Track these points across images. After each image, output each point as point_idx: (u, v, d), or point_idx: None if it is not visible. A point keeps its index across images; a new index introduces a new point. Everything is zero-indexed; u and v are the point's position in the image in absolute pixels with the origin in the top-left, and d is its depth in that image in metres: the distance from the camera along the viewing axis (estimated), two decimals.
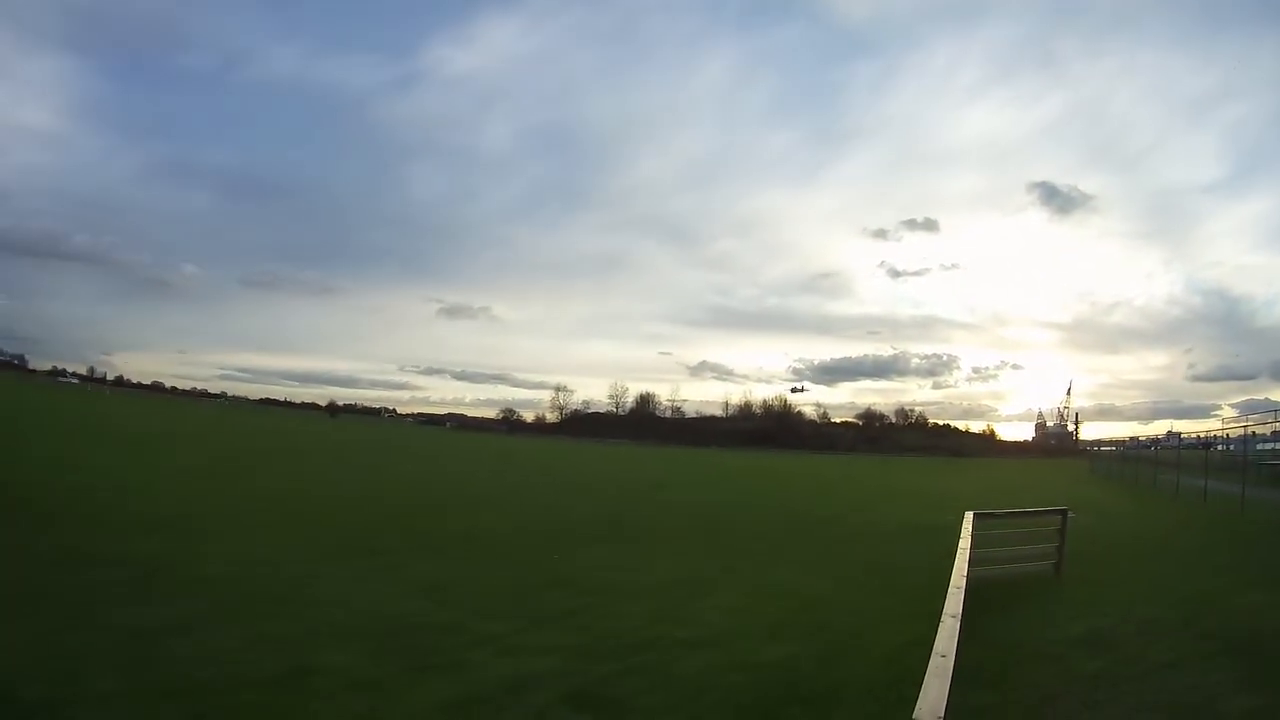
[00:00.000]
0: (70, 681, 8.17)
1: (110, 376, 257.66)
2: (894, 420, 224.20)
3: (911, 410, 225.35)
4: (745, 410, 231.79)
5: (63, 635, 9.48)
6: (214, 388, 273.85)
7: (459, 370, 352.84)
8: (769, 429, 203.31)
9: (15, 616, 10.09)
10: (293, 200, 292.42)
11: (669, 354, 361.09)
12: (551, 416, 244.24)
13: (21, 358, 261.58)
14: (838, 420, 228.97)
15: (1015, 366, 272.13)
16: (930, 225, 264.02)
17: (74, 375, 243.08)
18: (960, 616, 7.11)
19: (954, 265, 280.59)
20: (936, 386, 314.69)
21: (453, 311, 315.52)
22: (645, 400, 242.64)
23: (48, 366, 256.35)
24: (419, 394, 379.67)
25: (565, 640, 10.76)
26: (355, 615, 11.44)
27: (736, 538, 22.77)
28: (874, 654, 10.71)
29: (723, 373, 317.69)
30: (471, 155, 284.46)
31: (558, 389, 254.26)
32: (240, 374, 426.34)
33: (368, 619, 11.29)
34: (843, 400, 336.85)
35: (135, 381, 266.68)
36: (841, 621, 12.63)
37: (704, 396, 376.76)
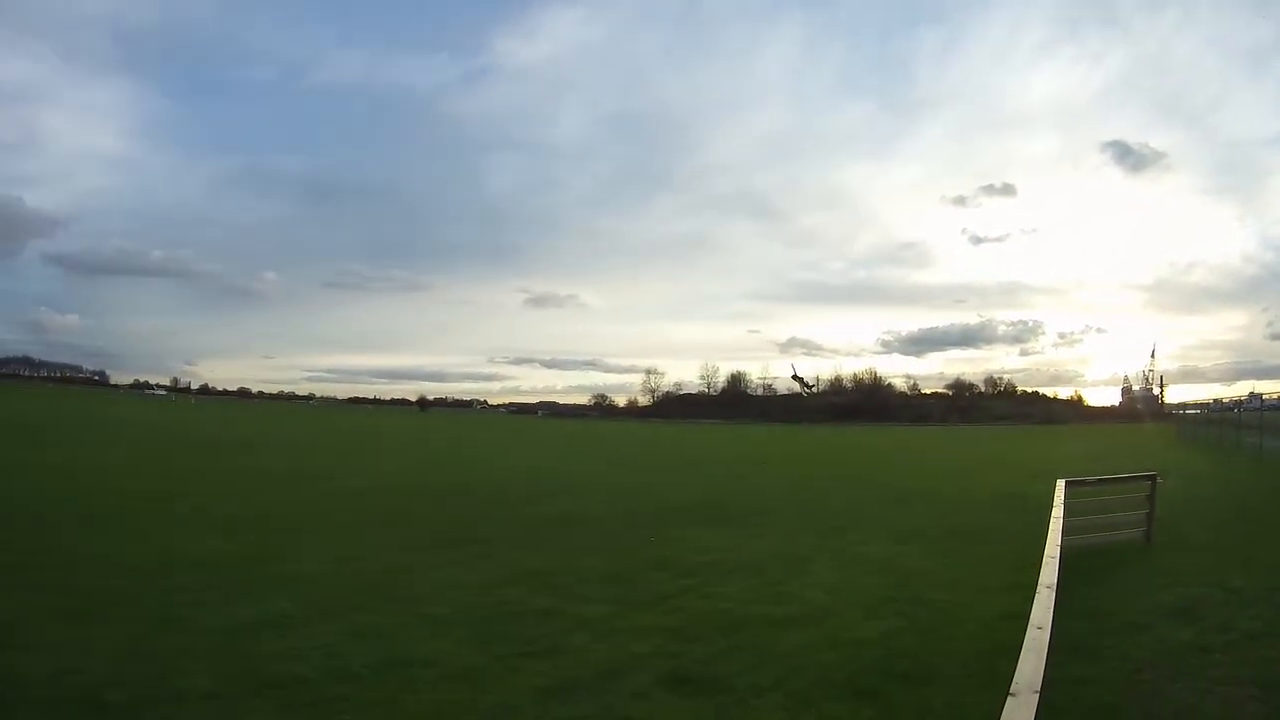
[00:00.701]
0: (159, 682, 8.19)
1: (195, 385, 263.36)
2: (983, 389, 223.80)
3: (1000, 378, 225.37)
4: (836, 385, 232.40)
5: (153, 638, 9.53)
6: (301, 390, 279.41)
7: (549, 358, 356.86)
8: (859, 402, 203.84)
9: (105, 621, 10.15)
10: (370, 201, 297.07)
11: (757, 332, 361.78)
12: (644, 400, 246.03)
13: (102, 374, 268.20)
14: (927, 391, 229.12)
15: (1099, 330, 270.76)
16: (1008, 190, 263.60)
17: (160, 387, 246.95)
18: (1055, 587, 6.91)
19: (1033, 230, 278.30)
20: (1023, 353, 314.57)
21: (540, 301, 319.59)
22: (736, 379, 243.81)
23: (129, 380, 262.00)
24: (509, 384, 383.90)
25: (663, 622, 10.73)
26: (451, 605, 11.47)
27: (831, 513, 22.65)
28: (969, 628, 10.59)
29: (812, 347, 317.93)
30: (547, 145, 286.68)
31: (648, 372, 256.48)
32: (328, 375, 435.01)
33: (464, 608, 11.33)
34: (932, 371, 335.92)
35: (221, 389, 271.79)
36: (936, 595, 12.50)
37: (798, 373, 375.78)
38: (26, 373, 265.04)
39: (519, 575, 13.62)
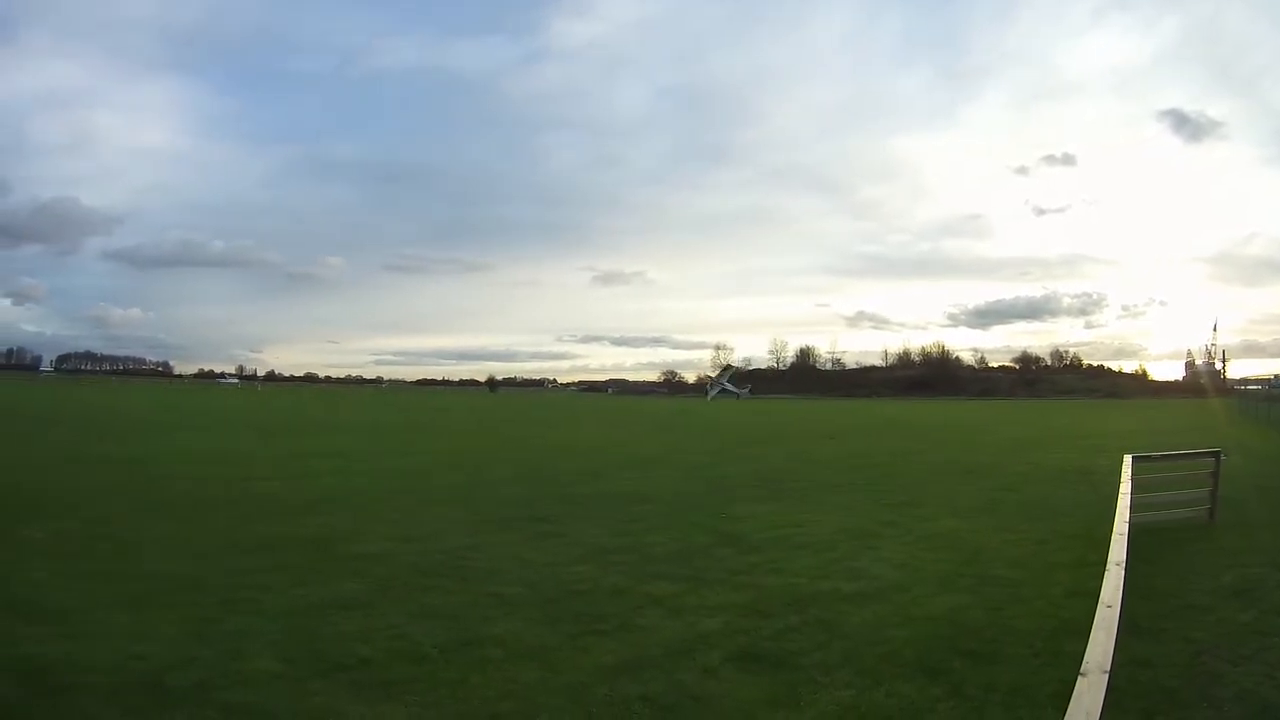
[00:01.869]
0: (225, 664, 8.37)
1: (260, 373, 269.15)
2: (1049, 363, 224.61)
3: (1066, 352, 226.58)
4: (904, 358, 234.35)
5: (218, 622, 9.72)
6: (369, 373, 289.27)
7: (617, 336, 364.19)
8: (927, 376, 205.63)
9: (169, 607, 10.34)
10: (430, 184, 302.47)
11: (825, 305, 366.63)
12: (712, 375, 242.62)
13: (167, 365, 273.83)
14: (994, 365, 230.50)
15: (1161, 303, 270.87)
16: (1068, 160, 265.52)
17: (231, 375, 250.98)
18: (1125, 564, 6.84)
19: (1094, 200, 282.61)
20: (1088, 326, 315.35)
21: (606, 278, 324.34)
22: (805, 354, 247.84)
23: (194, 370, 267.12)
24: (578, 362, 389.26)
25: (733, 598, 10.81)
26: (520, 584, 11.65)
27: (899, 488, 22.75)
28: (1035, 605, 10.62)
29: (879, 321, 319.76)
30: (606, 122, 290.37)
31: (717, 348, 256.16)
32: (395, 358, 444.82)
33: (533, 587, 11.49)
34: (998, 344, 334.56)
35: (287, 375, 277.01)
36: (1004, 571, 12.58)
37: (863, 346, 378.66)
38: (89, 367, 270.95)
39: (588, 553, 13.78)
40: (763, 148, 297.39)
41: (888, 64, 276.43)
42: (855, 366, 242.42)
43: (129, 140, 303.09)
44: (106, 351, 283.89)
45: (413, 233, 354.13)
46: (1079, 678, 4.39)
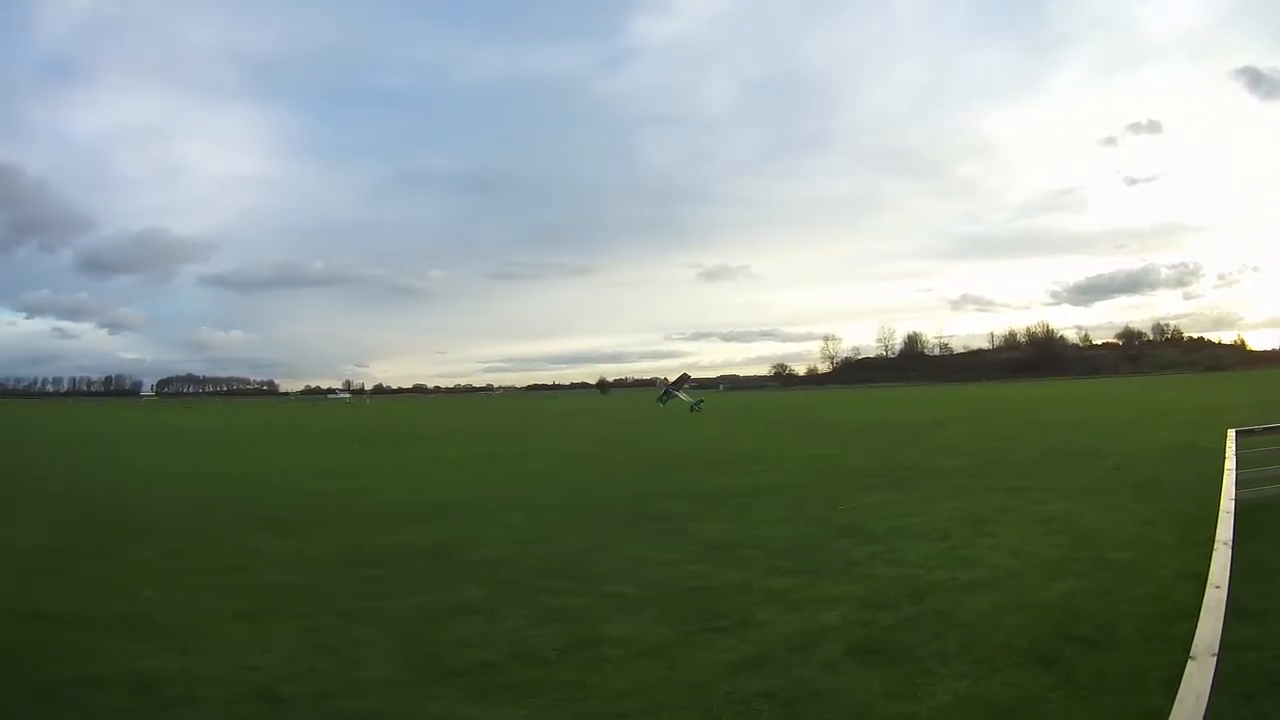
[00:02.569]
0: (342, 674, 8.63)
1: (368, 386, 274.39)
2: (1151, 337, 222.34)
3: (1166, 325, 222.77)
4: (1010, 340, 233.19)
5: (335, 632, 9.99)
6: (478, 382, 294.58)
7: (726, 331, 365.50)
8: (1033, 357, 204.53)
9: (286, 618, 10.66)
10: (527, 191, 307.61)
11: (929, 290, 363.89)
12: (823, 367, 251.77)
13: (271, 383, 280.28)
14: (1098, 342, 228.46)
15: (1255, 269, 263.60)
16: (1154, 127, 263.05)
17: (342, 390, 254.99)
18: (1231, 543, 6.69)
19: (1182, 166, 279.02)
20: (1186, 297, 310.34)
21: (712, 274, 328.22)
22: (913, 340, 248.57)
23: (300, 387, 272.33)
24: (688, 360, 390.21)
25: (851, 590, 10.92)
26: (640, 583, 11.82)
27: (1011, 471, 22.76)
28: (1146, 588, 10.57)
29: (983, 303, 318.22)
30: (698, 118, 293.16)
31: (826, 338, 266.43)
32: (505, 364, 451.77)
33: (653, 586, 11.66)
34: (1101, 320, 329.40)
35: (395, 387, 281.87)
36: (1115, 554, 12.52)
37: (969, 330, 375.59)
38: (191, 389, 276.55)
39: (706, 550, 13.96)
40: (856, 132, 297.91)
41: (968, 37, 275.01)
42: (962, 350, 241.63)
43: (215, 168, 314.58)
44: (209, 374, 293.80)
45: (513, 240, 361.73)
46: (1188, 661, 4.34)
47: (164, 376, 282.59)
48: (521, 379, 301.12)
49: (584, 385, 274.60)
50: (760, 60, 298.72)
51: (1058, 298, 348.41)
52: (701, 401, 75.49)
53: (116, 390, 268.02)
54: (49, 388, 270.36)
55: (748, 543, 14.29)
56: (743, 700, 7.34)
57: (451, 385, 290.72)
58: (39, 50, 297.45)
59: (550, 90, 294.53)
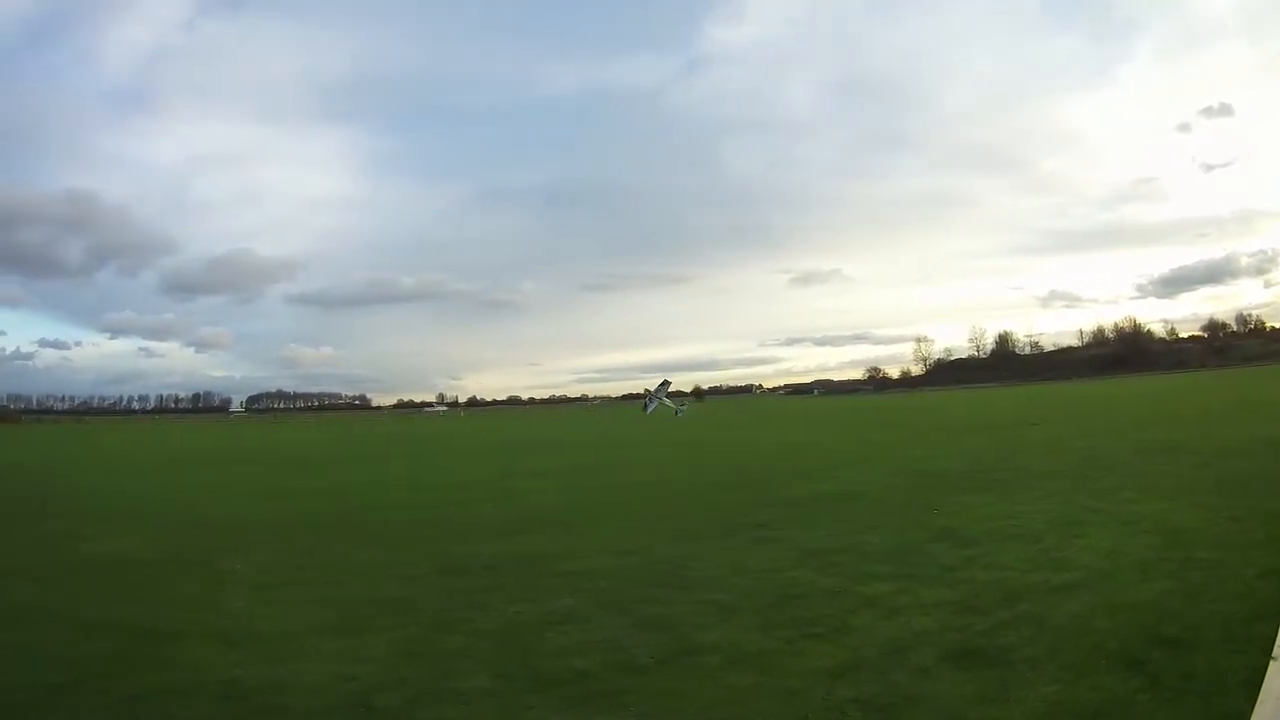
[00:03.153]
0: (436, 683, 8.79)
1: (462, 399, 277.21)
2: (1235, 328, 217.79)
3: (1249, 315, 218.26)
4: (1098, 337, 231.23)
5: (430, 642, 10.22)
6: (572, 392, 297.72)
7: (819, 336, 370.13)
8: (1121, 353, 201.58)
9: (380, 629, 10.93)
10: (614, 202, 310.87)
11: (1018, 288, 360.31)
12: (915, 369, 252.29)
13: (363, 398, 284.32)
14: (1184, 335, 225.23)
15: None
16: (1225, 110, 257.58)
17: (438, 403, 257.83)
18: None
19: (1255, 149, 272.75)
20: (1267, 285, 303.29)
21: (803, 279, 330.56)
22: (1003, 340, 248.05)
23: (392, 401, 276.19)
24: (782, 365, 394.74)
25: (946, 595, 11.00)
26: (736, 590, 11.92)
27: (1101, 470, 22.61)
28: (1231, 587, 10.54)
29: (1071, 299, 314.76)
30: (779, 122, 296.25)
31: (918, 340, 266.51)
32: (598, 375, 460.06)
33: (749, 593, 11.76)
34: (1185, 313, 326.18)
35: (489, 400, 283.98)
36: (1203, 554, 12.44)
37: (1058, 326, 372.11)
38: (282, 405, 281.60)
39: (802, 556, 14.05)
40: (936, 128, 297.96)
41: (1037, 27, 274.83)
42: (1052, 348, 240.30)
43: (297, 190, 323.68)
44: (299, 389, 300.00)
45: (603, 251, 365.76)
46: (1270, 663, 4.33)
47: (254, 393, 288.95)
48: (617, 388, 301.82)
49: (679, 394, 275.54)
50: (836, 61, 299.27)
51: (1143, 291, 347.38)
52: (684, 407, 75.90)
53: (205, 407, 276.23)
54: (135, 405, 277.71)
55: (845, 548, 14.41)
56: (836, 707, 7.45)
57: (546, 396, 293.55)
58: (106, 82, 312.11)
59: (630, 101, 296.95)
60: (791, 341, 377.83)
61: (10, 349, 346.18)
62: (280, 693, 8.53)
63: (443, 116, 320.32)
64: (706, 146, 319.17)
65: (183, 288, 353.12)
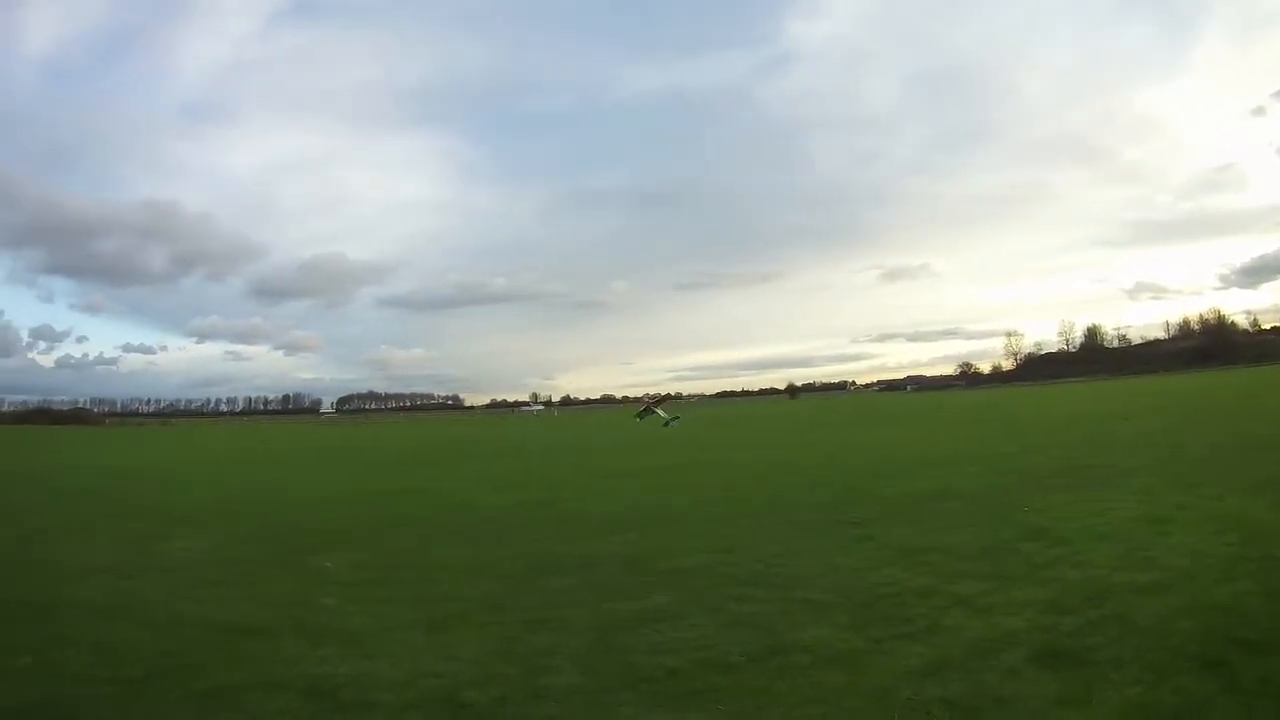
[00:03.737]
0: (527, 681, 8.97)
1: (555, 398, 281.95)
2: None
3: None
4: (1184, 329, 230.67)
5: (521, 640, 10.46)
6: (666, 390, 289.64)
7: (911, 332, 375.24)
8: (1206, 346, 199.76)
9: (471, 627, 11.20)
10: (702, 200, 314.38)
11: (1104, 280, 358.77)
12: (1006, 364, 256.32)
13: (456, 398, 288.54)
14: (1267, 326, 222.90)
15: None
16: None
17: (534, 403, 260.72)
18: None
19: None
20: None
21: (893, 274, 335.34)
22: (1092, 334, 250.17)
23: (485, 401, 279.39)
24: (874, 362, 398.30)
25: (1035, 595, 11.05)
26: (829, 589, 12.07)
27: (1187, 466, 22.56)
28: None
29: (1157, 290, 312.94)
30: (861, 118, 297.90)
31: (1009, 334, 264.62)
32: (692, 373, 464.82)
33: (842, 591, 11.91)
34: (1268, 303, 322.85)
35: (583, 399, 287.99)
36: None
37: (1145, 319, 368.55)
38: (373, 406, 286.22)
39: (895, 555, 14.16)
40: (1016, 120, 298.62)
41: (1111, 14, 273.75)
42: (1139, 341, 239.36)
43: (384, 195, 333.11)
44: (391, 390, 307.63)
45: (692, 250, 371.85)
46: None
47: (344, 394, 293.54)
48: (710, 386, 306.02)
49: (773, 390, 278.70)
50: (914, 55, 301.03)
51: (1226, 281, 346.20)
52: (677, 418, 76.10)
53: (295, 409, 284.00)
54: (223, 407, 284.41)
55: (936, 547, 14.50)
56: (922, 707, 7.60)
57: (639, 395, 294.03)
58: (182, 95, 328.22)
59: (713, 99, 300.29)
60: (884, 338, 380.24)
61: (94, 354, 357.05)
62: (367, 689, 8.76)
63: (527, 119, 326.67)
64: (792, 143, 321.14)
65: (271, 292, 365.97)
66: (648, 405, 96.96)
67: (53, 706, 8.53)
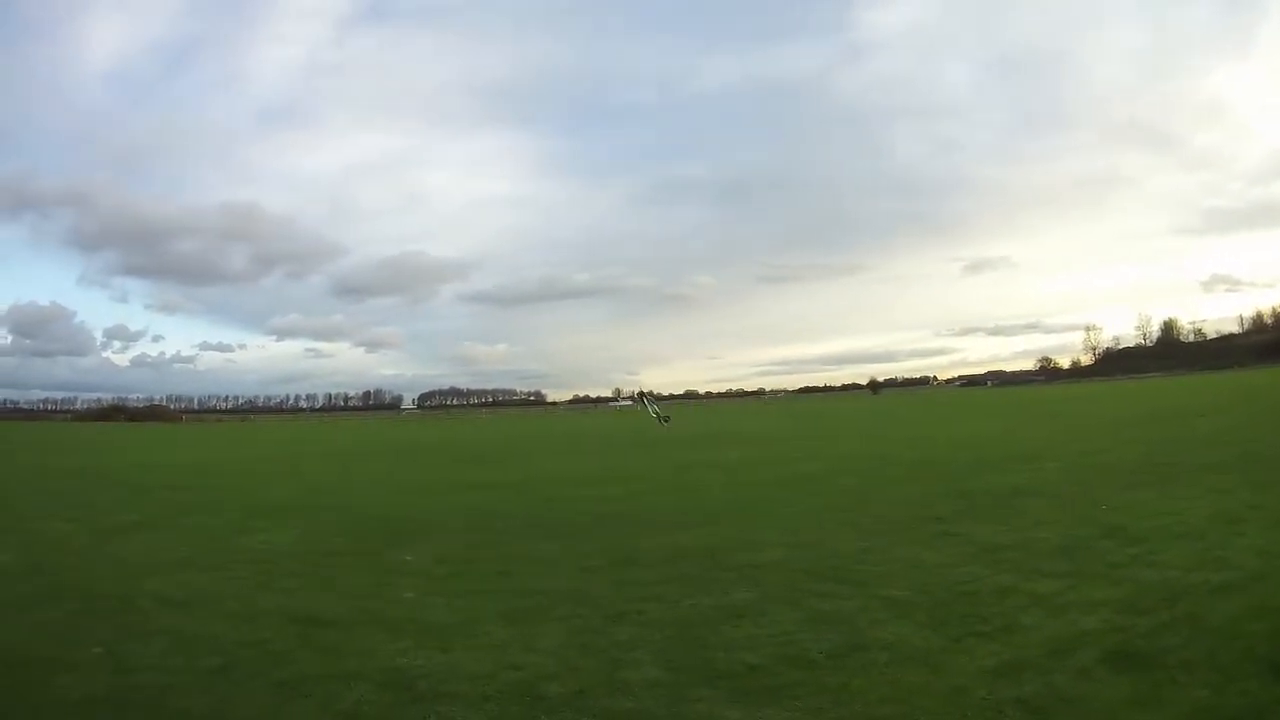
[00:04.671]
0: (604, 674, 9.10)
1: (637, 393, 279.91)
2: None
3: None
4: (1258, 323, 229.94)
5: (604, 632, 10.71)
6: (750, 385, 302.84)
7: (992, 326, 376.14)
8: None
9: (551, 619, 11.43)
10: (783, 192, 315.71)
11: (1179, 270, 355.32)
12: (1085, 359, 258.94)
13: (538, 393, 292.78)
14: None
15: None
16: None
17: (627, 398, 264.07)
18: None
19: None
20: None
21: (975, 267, 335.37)
22: (1168, 327, 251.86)
23: (568, 396, 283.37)
24: (955, 357, 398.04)
25: (1111, 594, 11.13)
26: (910, 586, 12.22)
27: (1261, 466, 22.23)
28: None
29: (1231, 283, 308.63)
30: (939, 106, 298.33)
31: (1088, 329, 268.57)
32: (776, 367, 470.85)
33: (923, 589, 12.06)
34: None
35: (667, 393, 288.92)
36: None
37: (1220, 312, 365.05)
38: (455, 401, 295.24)
39: (976, 552, 14.30)
40: (1090, 106, 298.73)
41: None
42: (1215, 335, 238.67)
43: (464, 193, 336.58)
44: (473, 386, 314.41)
45: (775, 242, 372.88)
46: None
47: (425, 391, 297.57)
48: (793, 381, 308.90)
49: (855, 386, 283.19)
50: (988, 41, 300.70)
51: None
52: (669, 418, 75.90)
53: (375, 405, 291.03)
54: (303, 404, 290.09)
55: (1017, 544, 14.64)
56: (995, 706, 7.67)
57: (723, 390, 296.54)
58: (256, 99, 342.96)
59: (790, 90, 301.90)
60: (965, 332, 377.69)
61: (170, 353, 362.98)
62: (445, 680, 8.99)
63: (605, 114, 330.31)
64: (871, 133, 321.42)
65: (352, 290, 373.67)
66: (643, 402, 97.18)
67: (122, 697, 8.78)
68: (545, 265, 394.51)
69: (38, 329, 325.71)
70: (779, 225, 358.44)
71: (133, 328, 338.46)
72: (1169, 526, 15.23)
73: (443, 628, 11.06)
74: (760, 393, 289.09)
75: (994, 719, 7.50)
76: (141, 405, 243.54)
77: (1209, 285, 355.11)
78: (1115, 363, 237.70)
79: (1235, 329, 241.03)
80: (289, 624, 11.40)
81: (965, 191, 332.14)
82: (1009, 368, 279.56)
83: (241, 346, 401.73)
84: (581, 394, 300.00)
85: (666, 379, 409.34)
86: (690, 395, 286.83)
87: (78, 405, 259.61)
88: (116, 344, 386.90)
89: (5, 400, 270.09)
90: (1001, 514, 17.61)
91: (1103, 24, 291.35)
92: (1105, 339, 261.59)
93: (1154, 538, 14.41)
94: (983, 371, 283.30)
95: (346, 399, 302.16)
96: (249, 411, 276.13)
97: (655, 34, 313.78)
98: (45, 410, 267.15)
